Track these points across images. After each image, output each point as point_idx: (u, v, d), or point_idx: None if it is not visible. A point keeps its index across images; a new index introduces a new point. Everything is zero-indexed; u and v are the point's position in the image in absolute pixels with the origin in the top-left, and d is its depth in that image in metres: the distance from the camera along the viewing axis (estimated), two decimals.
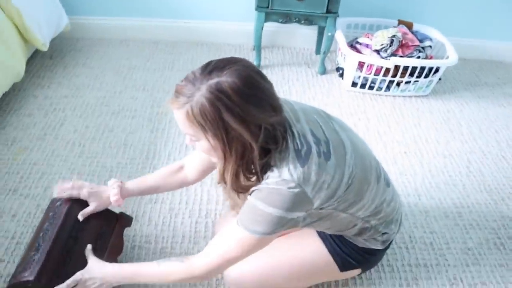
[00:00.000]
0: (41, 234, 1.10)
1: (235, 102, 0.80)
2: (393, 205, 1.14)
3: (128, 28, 2.47)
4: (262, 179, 0.91)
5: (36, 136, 1.79)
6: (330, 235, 1.16)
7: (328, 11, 1.99)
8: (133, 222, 1.34)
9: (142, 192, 1.25)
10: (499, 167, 1.81)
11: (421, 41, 2.07)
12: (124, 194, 1.20)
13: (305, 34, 2.43)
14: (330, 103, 2.08)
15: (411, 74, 2.03)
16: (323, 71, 2.25)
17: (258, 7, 2.01)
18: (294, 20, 2.05)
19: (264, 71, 2.24)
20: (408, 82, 2.07)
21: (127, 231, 1.37)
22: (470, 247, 1.47)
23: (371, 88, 2.10)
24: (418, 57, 2.01)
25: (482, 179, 1.74)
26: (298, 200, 0.89)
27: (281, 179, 0.87)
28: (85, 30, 2.47)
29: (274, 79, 2.21)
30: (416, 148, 1.86)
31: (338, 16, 2.02)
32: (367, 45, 2.07)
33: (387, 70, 2.00)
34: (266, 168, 0.91)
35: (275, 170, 0.89)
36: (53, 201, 1.20)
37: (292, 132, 0.92)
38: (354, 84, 2.11)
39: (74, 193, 1.17)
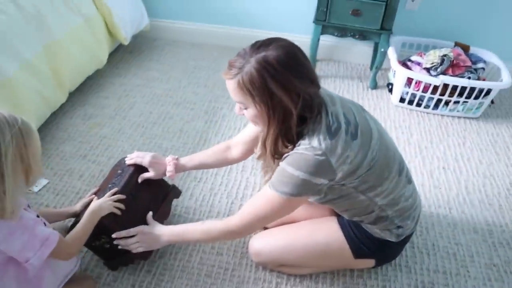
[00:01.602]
0: (109, 185, 1.30)
1: (279, 72, 0.95)
2: (411, 202, 1.21)
3: (199, 32, 2.74)
4: (296, 146, 1.04)
5: (109, 115, 2.07)
6: (348, 222, 1.25)
7: (382, 28, 2.09)
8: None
9: (193, 167, 1.44)
10: None
11: (474, 63, 2.09)
12: (178, 169, 1.40)
13: (361, 50, 2.53)
14: (376, 115, 2.15)
15: (460, 94, 2.05)
16: (374, 86, 2.34)
17: (316, 20, 2.16)
18: (350, 35, 2.17)
19: None
20: (457, 102, 2.09)
21: (174, 201, 1.55)
22: (496, 263, 1.47)
23: (418, 105, 2.15)
24: (469, 78, 2.03)
25: None
26: (323, 167, 1.01)
27: (310, 146, 1.00)
28: (162, 31, 2.78)
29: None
30: (456, 165, 1.88)
31: (391, 33, 2.11)
32: (419, 63, 2.13)
33: (435, 88, 2.04)
34: (300, 136, 1.04)
35: (307, 138, 1.02)
36: (122, 160, 1.41)
37: (327, 111, 1.04)
38: (402, 100, 2.17)
39: (139, 160, 1.37)
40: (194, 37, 2.76)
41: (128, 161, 1.38)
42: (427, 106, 2.14)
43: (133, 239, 1.23)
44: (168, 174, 1.37)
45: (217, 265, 1.41)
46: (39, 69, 1.77)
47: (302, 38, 2.55)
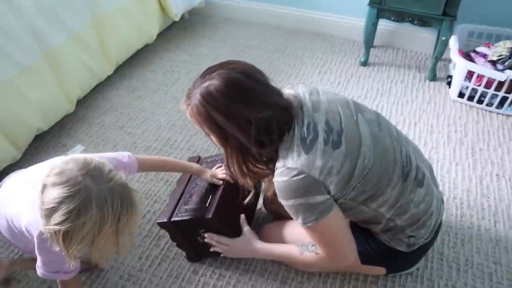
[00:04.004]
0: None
1: (220, 102, 0.91)
2: (423, 208, 1.08)
3: (254, 11, 2.68)
4: (273, 169, 0.99)
5: (152, 89, 2.11)
6: (359, 226, 1.16)
7: (444, 13, 1.87)
8: None
9: None
10: None
11: None
12: None
13: (424, 38, 2.31)
14: (429, 110, 1.96)
15: None
16: (433, 78, 2.13)
17: (371, 3, 2.00)
18: (407, 20, 1.98)
19: (371, 69, 2.23)
20: None
21: None
22: None
23: (480, 102, 1.92)
24: None
25: None
26: (307, 185, 0.94)
27: (285, 168, 0.94)
28: (217, 9, 2.76)
29: (377, 77, 2.17)
30: None
31: (455, 20, 1.88)
32: (485, 55, 1.89)
33: (501, 84, 1.80)
34: (274, 157, 0.98)
35: (281, 160, 0.96)
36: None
37: (303, 122, 0.97)
38: (461, 95, 1.95)
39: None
40: (249, 15, 2.71)
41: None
42: (489, 104, 1.90)
43: (224, 246, 1.24)
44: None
45: None
46: (87, 41, 1.84)
47: (356, 22, 2.40)
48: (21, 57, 1.55)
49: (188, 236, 1.27)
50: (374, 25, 2.10)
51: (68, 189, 0.83)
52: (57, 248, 0.88)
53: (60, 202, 0.83)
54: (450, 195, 1.57)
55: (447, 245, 1.41)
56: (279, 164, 0.96)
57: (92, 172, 0.86)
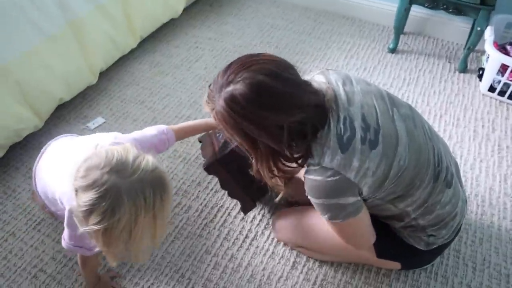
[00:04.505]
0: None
1: (247, 110, 0.84)
2: (448, 209, 1.05)
3: None
4: (304, 164, 0.94)
5: (174, 64, 2.09)
6: (377, 220, 1.13)
7: (482, 2, 1.78)
8: None
9: None
10: None
11: None
12: None
13: (457, 27, 2.21)
14: (457, 102, 1.90)
15: None
16: (463, 69, 2.05)
17: None
18: (441, 7, 1.89)
19: (399, 56, 2.16)
20: None
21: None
22: None
23: (511, 98, 1.84)
24: None
25: None
26: (341, 186, 0.90)
27: (319, 167, 0.89)
28: None
29: (405, 66, 2.10)
30: None
31: (493, 9, 1.79)
32: None
33: None
34: (307, 153, 0.92)
35: (315, 157, 0.90)
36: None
37: (338, 116, 0.91)
38: (492, 89, 1.88)
39: None
40: None
41: None
42: None
43: None
44: None
45: (239, 230, 1.39)
46: (112, 13, 1.82)
47: (388, 6, 2.31)
48: (46, 26, 1.55)
49: (239, 173, 1.24)
50: (407, 10, 2.03)
51: (96, 191, 0.83)
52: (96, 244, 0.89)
53: (93, 205, 0.83)
54: (472, 192, 1.52)
55: (464, 243, 1.37)
56: (312, 161, 0.91)
57: (116, 168, 0.85)
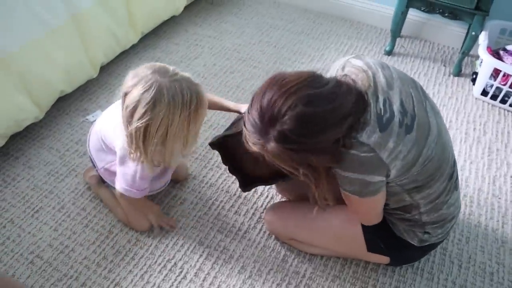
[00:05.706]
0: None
1: (302, 141, 0.85)
2: (452, 211, 1.10)
3: None
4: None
5: (174, 61, 2.13)
6: None
7: (477, 8, 1.82)
8: None
9: None
10: None
11: None
12: None
13: (453, 32, 2.25)
14: (450, 105, 1.94)
15: None
16: (458, 73, 2.08)
17: None
18: (438, 11, 1.93)
19: (395, 59, 2.20)
20: None
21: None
22: None
23: (503, 101, 1.88)
24: None
25: None
26: (372, 164, 0.92)
27: (356, 141, 0.90)
28: None
29: (401, 68, 2.14)
30: None
31: (487, 15, 1.83)
32: None
33: None
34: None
35: (355, 131, 0.91)
36: None
37: (377, 97, 0.93)
38: (484, 93, 1.91)
39: None
40: None
41: None
42: None
43: None
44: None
45: (232, 223, 1.43)
46: (114, 8, 1.85)
47: (385, 9, 2.35)
48: (49, 19, 1.58)
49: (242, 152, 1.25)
50: (404, 14, 2.07)
51: (143, 86, 1.01)
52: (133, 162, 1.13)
53: (139, 99, 1.01)
54: (461, 193, 1.56)
55: (451, 241, 1.41)
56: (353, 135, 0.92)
57: (159, 70, 1.05)
